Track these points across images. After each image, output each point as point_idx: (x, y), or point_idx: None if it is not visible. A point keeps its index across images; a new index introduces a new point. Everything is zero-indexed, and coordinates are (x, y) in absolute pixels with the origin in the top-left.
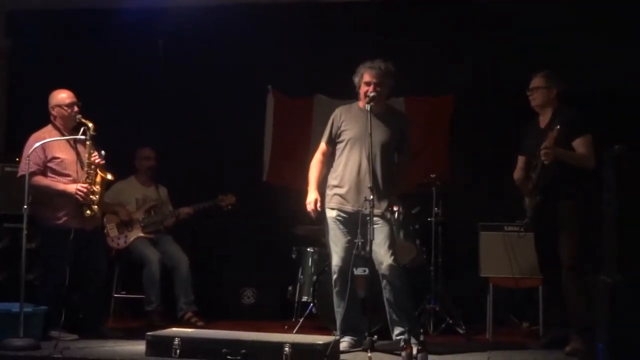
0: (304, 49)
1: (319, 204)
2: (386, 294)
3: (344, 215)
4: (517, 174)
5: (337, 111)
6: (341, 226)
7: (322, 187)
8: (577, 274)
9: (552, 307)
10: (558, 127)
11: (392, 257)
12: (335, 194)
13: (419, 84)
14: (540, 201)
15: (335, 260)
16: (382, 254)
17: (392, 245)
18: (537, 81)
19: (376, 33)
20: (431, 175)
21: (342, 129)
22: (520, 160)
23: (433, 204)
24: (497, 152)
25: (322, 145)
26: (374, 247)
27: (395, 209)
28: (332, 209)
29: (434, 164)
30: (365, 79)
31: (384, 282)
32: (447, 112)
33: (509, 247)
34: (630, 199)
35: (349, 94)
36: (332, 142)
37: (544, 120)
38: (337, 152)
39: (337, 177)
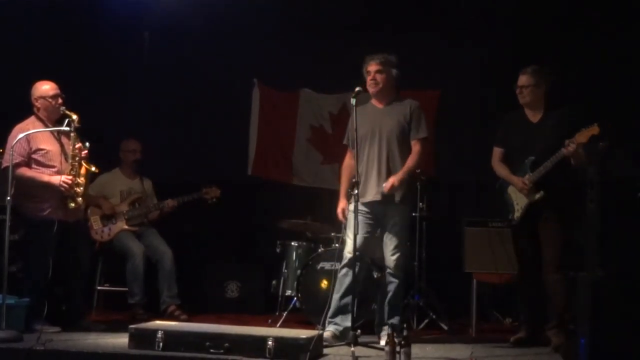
0: (290, 42)
1: (346, 212)
2: (387, 287)
3: (361, 208)
4: (500, 166)
5: (353, 111)
6: (359, 217)
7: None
8: (561, 271)
9: (523, 305)
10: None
11: (398, 255)
12: (354, 187)
13: (406, 78)
14: (540, 198)
15: (348, 247)
16: (391, 249)
17: (400, 245)
18: (525, 79)
19: (363, 27)
20: (416, 170)
21: (355, 127)
22: (499, 152)
23: (417, 199)
24: (483, 148)
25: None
26: (385, 240)
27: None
28: (351, 202)
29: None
30: (367, 69)
31: (387, 276)
32: (433, 107)
33: (493, 243)
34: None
35: (335, 88)
36: (352, 143)
37: (534, 115)
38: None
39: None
